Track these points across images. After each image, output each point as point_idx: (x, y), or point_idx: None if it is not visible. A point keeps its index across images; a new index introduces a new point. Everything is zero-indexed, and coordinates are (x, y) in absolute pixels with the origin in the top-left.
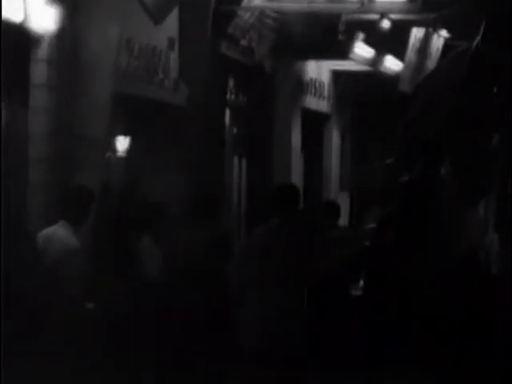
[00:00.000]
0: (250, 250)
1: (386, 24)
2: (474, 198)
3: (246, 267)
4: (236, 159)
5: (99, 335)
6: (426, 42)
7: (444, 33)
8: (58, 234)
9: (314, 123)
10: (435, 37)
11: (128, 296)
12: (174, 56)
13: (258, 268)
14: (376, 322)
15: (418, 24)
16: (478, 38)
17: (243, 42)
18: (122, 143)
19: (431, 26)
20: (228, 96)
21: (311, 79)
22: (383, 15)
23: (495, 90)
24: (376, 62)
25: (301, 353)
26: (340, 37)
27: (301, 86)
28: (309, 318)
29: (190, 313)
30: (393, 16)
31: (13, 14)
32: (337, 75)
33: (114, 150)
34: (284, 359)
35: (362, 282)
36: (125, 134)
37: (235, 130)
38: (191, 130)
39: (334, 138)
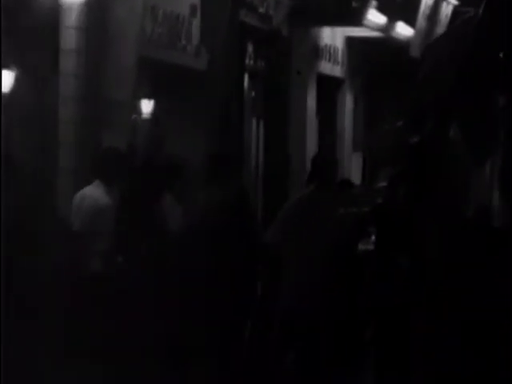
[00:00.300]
0: (290, 214)
1: None
2: (481, 157)
3: (285, 230)
4: (254, 121)
5: (128, 289)
6: (435, 9)
7: (453, 0)
8: (91, 193)
9: (329, 87)
10: (444, 4)
11: (152, 251)
12: (195, 23)
13: (296, 232)
14: (387, 274)
15: None
16: (483, 4)
17: (261, 10)
18: (147, 106)
19: None
20: (247, 61)
21: (326, 45)
22: None
23: (501, 54)
24: (388, 28)
25: (332, 313)
26: (354, 4)
27: (316, 52)
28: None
29: (209, 268)
30: None
31: None
32: (350, 41)
33: (140, 113)
34: (316, 320)
35: (373, 237)
36: (149, 97)
37: (253, 93)
38: (212, 94)
39: (348, 102)
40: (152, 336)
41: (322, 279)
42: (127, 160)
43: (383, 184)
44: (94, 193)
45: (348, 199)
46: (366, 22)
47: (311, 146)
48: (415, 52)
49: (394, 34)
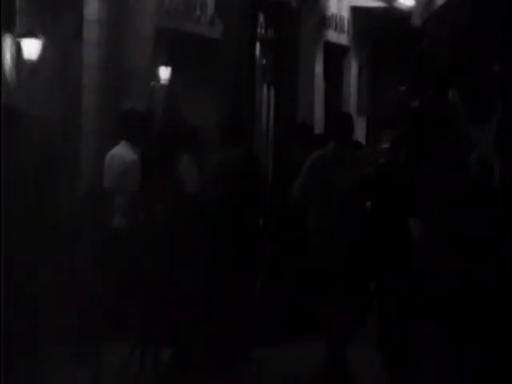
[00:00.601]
0: (313, 169)
1: None
2: (480, 120)
3: (308, 183)
4: (265, 87)
5: (148, 245)
6: None
7: None
8: (119, 152)
9: (335, 55)
10: None
11: (171, 207)
12: None
13: (319, 185)
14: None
15: None
16: None
17: None
18: (164, 73)
19: None
20: (258, 30)
21: (332, 15)
22: None
23: (498, 22)
24: None
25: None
26: None
27: (323, 21)
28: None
29: (222, 224)
30: None
31: None
32: (355, 11)
33: (158, 80)
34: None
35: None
36: (166, 64)
37: (264, 61)
38: (225, 61)
39: (353, 69)
40: (168, 286)
41: (341, 225)
42: (149, 121)
43: (386, 146)
44: (121, 152)
45: (359, 158)
46: None
47: (319, 110)
48: (417, 21)
49: (396, 4)
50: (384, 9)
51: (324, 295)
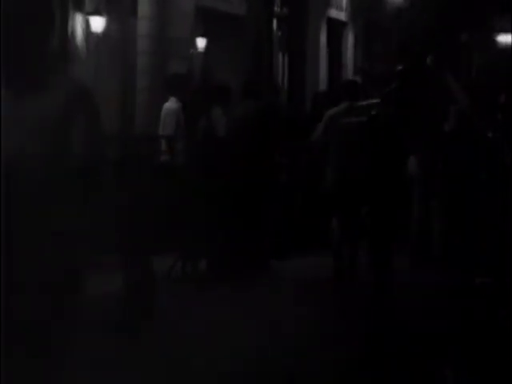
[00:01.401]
0: (331, 119)
1: None
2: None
3: (327, 133)
4: (280, 55)
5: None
6: None
7: None
8: (169, 105)
9: (335, 28)
10: None
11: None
12: None
13: (336, 136)
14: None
15: None
16: None
17: None
18: (201, 42)
19: None
20: (275, 8)
21: None
22: None
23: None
24: None
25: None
26: None
27: (326, 1)
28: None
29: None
30: None
31: None
32: None
33: (196, 48)
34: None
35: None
36: (203, 36)
37: (280, 33)
38: (249, 34)
39: (350, 39)
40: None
41: (353, 162)
42: (188, 81)
43: (376, 100)
44: (171, 105)
45: (359, 110)
46: None
47: (323, 72)
48: (402, 1)
49: None
50: None
51: (335, 212)
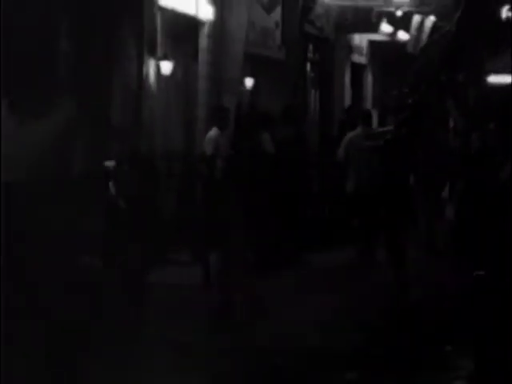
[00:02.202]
0: (349, 142)
1: (399, 13)
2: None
3: (347, 151)
4: (313, 91)
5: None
6: (422, 23)
7: (432, 17)
8: (212, 134)
9: (358, 70)
10: (428, 19)
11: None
12: (278, 31)
13: (354, 151)
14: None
15: (418, 13)
16: (454, 22)
17: (318, 23)
18: (249, 82)
19: (425, 14)
20: (309, 55)
21: (356, 44)
22: (397, 7)
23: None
24: (393, 35)
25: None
26: (373, 20)
27: (350, 49)
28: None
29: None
30: (403, 8)
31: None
32: (370, 42)
33: (245, 86)
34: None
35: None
36: (250, 76)
37: (312, 74)
38: (287, 74)
39: (369, 78)
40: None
41: (366, 175)
42: (228, 114)
43: (390, 128)
44: (211, 133)
45: (376, 135)
46: (380, 30)
47: (347, 106)
48: (410, 49)
49: (396, 38)
50: (389, 41)
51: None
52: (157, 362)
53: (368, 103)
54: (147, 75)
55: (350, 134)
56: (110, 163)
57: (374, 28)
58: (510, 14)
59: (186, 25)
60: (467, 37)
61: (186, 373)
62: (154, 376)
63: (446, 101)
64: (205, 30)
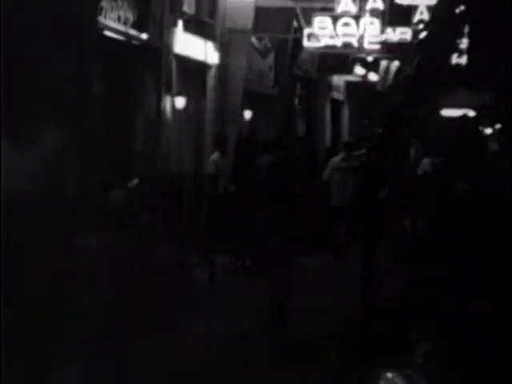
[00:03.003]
0: (332, 165)
1: (370, 58)
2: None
3: (331, 173)
4: (300, 121)
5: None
6: (388, 67)
7: (397, 62)
8: (213, 158)
9: (336, 105)
10: (393, 64)
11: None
12: (271, 73)
13: (337, 173)
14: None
15: (385, 58)
16: (415, 66)
17: (303, 67)
18: (248, 114)
19: (391, 60)
20: (296, 92)
21: (335, 84)
22: (368, 54)
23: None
24: (365, 76)
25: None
26: (349, 64)
27: (330, 87)
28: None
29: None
30: (373, 54)
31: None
32: (347, 82)
33: (243, 118)
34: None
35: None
36: (249, 109)
37: (299, 108)
38: (278, 108)
39: (346, 112)
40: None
41: (350, 194)
42: (227, 140)
43: (363, 152)
44: (212, 157)
45: (352, 158)
46: (354, 72)
47: (328, 134)
48: (379, 88)
49: (368, 79)
50: (362, 81)
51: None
52: None
53: (345, 132)
54: (164, 109)
55: (333, 159)
56: (133, 181)
57: (350, 70)
58: (458, 60)
59: (196, 68)
60: (425, 78)
61: None
62: None
63: (408, 130)
64: (212, 72)
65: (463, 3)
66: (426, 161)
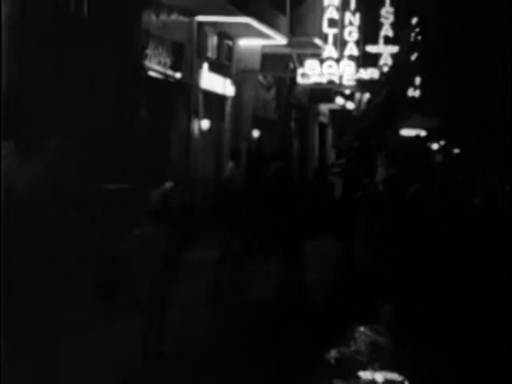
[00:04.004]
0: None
1: (347, 91)
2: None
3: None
4: (295, 140)
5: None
6: (361, 98)
7: (368, 94)
8: (229, 165)
9: (322, 127)
10: (365, 95)
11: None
12: (273, 102)
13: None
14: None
15: (359, 91)
16: (381, 97)
17: (298, 97)
18: (255, 133)
19: (363, 92)
20: (292, 116)
21: (321, 111)
22: (346, 88)
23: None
24: (344, 105)
25: None
26: (331, 95)
27: (318, 113)
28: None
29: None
30: (350, 89)
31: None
32: (330, 110)
33: (252, 136)
34: None
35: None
36: (256, 129)
37: (294, 129)
38: (279, 128)
39: (330, 133)
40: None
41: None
42: (240, 153)
43: (343, 161)
44: (230, 166)
45: (336, 165)
46: (336, 102)
47: (316, 150)
48: (355, 114)
49: (346, 107)
50: (341, 109)
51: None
52: None
53: (329, 147)
54: (193, 129)
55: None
56: (169, 184)
57: (332, 101)
58: (413, 93)
59: (217, 98)
60: (389, 107)
61: None
62: None
63: (376, 146)
64: (229, 102)
65: (416, 52)
66: (380, 169)
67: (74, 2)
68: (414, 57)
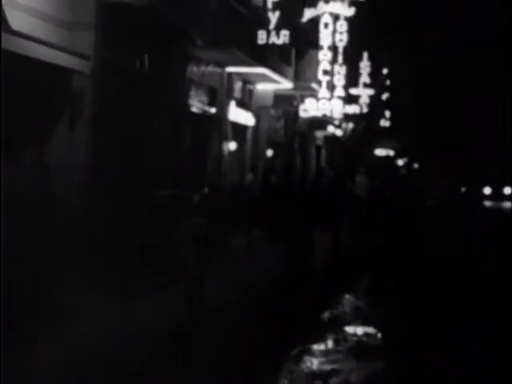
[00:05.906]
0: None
1: (336, 122)
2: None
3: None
4: (298, 158)
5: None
6: (347, 126)
7: (351, 124)
8: (248, 177)
9: (318, 149)
10: (349, 124)
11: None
12: (282, 130)
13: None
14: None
15: (345, 121)
16: (362, 126)
17: (300, 126)
18: (269, 152)
19: (348, 122)
20: (296, 140)
21: (317, 136)
22: (335, 119)
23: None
24: (334, 132)
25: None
26: (325, 124)
27: (315, 139)
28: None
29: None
30: (338, 120)
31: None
32: (324, 136)
33: (267, 155)
34: None
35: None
36: (269, 150)
37: (297, 149)
38: (286, 150)
39: (323, 153)
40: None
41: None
42: (259, 168)
43: (333, 173)
44: (249, 177)
45: (329, 176)
46: (328, 129)
47: (313, 165)
48: (343, 139)
49: (335, 133)
50: (332, 135)
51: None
52: None
53: (323, 163)
54: (223, 149)
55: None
56: (205, 190)
57: (325, 129)
58: (384, 124)
59: (241, 127)
60: (367, 133)
61: None
62: None
63: (357, 163)
64: (250, 130)
65: (386, 93)
66: (358, 178)
67: (138, 61)
68: (384, 97)
